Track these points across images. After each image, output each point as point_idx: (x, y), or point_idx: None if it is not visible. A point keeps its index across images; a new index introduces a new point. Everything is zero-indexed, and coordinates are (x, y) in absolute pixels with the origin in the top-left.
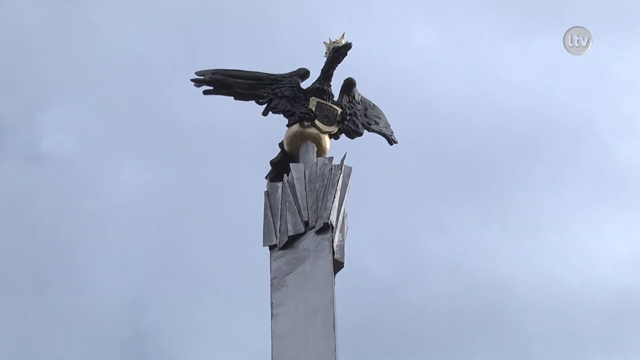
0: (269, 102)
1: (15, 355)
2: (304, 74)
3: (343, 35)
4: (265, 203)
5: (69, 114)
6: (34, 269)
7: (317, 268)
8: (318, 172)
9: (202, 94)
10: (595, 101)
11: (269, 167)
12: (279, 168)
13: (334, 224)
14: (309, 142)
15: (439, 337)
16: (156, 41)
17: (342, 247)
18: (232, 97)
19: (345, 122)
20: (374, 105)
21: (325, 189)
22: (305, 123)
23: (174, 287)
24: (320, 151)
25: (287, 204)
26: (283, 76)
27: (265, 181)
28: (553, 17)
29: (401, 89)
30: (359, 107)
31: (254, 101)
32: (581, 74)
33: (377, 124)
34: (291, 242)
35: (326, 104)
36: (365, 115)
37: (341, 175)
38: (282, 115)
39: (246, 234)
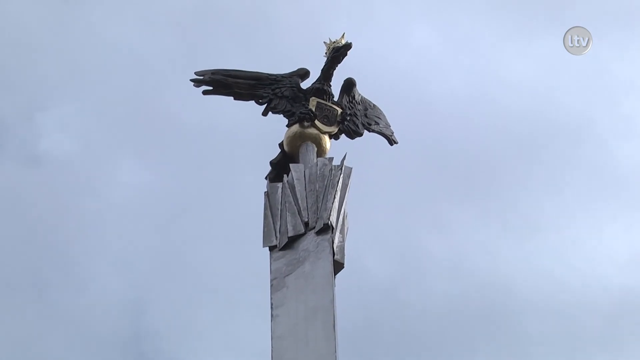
0: (269, 102)
1: (15, 355)
2: (304, 74)
3: (343, 35)
4: (265, 203)
5: (69, 114)
6: (34, 269)
7: (317, 269)
8: (318, 172)
9: (202, 94)
10: (596, 101)
11: (269, 168)
12: (279, 168)
13: (334, 225)
14: (309, 143)
15: (439, 338)
16: (156, 41)
17: (342, 247)
18: (231, 97)
19: (346, 123)
20: (374, 105)
21: (325, 189)
22: (305, 123)
23: (173, 287)
24: (320, 151)
25: (287, 205)
26: (283, 76)
27: (265, 182)
28: (553, 17)
29: (401, 89)
30: (359, 107)
31: (253, 101)
32: (581, 74)
33: (378, 124)
34: (291, 242)
35: (326, 104)
36: (366, 116)
37: (341, 175)
38: (282, 115)
39: (246, 235)
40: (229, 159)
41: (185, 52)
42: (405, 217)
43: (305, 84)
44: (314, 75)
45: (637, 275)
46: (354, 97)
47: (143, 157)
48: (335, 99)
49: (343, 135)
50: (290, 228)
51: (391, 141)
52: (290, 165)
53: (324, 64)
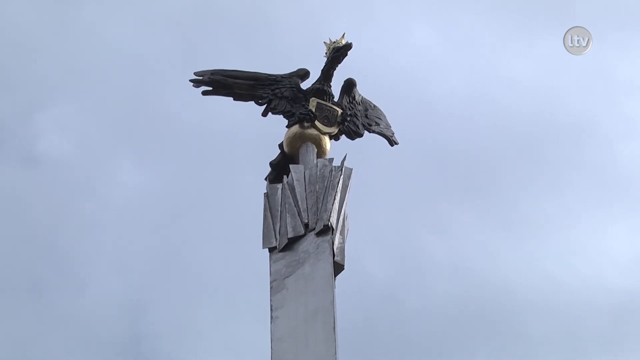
0: (269, 102)
1: (14, 357)
2: (303, 74)
3: (343, 35)
4: (264, 205)
5: (67, 115)
6: (32, 270)
7: (317, 270)
8: (318, 173)
9: (201, 95)
10: (597, 101)
11: (269, 169)
12: (279, 169)
13: (334, 226)
14: (309, 143)
15: (440, 339)
16: (155, 41)
17: (342, 249)
18: (231, 98)
19: (346, 123)
20: (374, 105)
21: (325, 190)
22: (305, 124)
23: (172, 289)
24: (321, 152)
25: (286, 206)
26: (283, 76)
27: (265, 183)
28: (554, 17)
29: (401, 89)
30: (360, 107)
31: (253, 102)
32: (582, 74)
33: (378, 124)
34: (291, 244)
35: (326, 105)
36: (366, 116)
37: (341, 176)
38: (281, 116)
39: (245, 236)
40: (228, 159)
41: (184, 52)
42: (405, 218)
43: (305, 85)
44: (314, 75)
45: (639, 277)
46: (354, 98)
47: (142, 157)
48: (336, 99)
49: (343, 136)
50: (290, 229)
51: (392, 142)
52: (290, 166)
53: (324, 64)
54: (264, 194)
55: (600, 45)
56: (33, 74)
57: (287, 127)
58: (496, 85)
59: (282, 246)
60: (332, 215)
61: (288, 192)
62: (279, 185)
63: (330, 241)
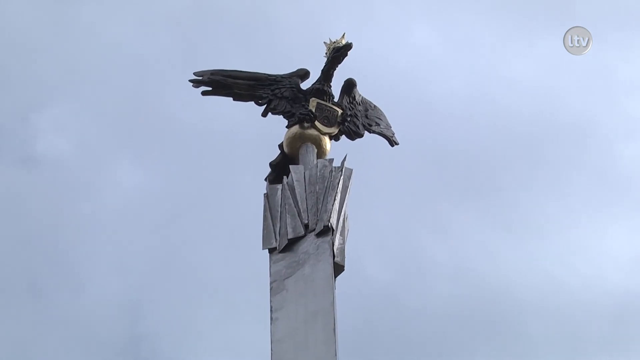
0: (269, 103)
1: (12, 358)
2: (303, 74)
3: (343, 35)
4: (264, 205)
5: (66, 115)
6: (30, 271)
7: (317, 271)
8: (318, 174)
9: (201, 95)
10: (598, 101)
11: (269, 169)
12: (279, 170)
13: (334, 227)
14: (309, 144)
15: (440, 341)
16: (154, 41)
17: (342, 250)
18: (231, 98)
19: (346, 123)
20: (374, 106)
21: (325, 191)
22: (305, 124)
23: (171, 290)
24: (321, 153)
25: (286, 207)
26: (283, 77)
27: (265, 183)
28: (554, 17)
29: (401, 89)
30: (360, 108)
31: (253, 102)
32: (583, 74)
33: (378, 125)
34: (291, 245)
35: (326, 105)
36: (366, 117)
37: (342, 177)
38: (281, 116)
39: (245, 237)
40: (228, 160)
41: (184, 52)
42: (405, 218)
43: (305, 85)
44: (314, 75)
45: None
46: (354, 98)
47: (141, 158)
48: (336, 99)
49: (343, 136)
50: (290, 230)
51: (392, 142)
52: (290, 166)
53: (324, 65)
54: (264, 194)
55: (601, 45)
56: (32, 74)
57: (287, 127)
58: (496, 86)
59: (282, 247)
60: (332, 216)
61: (288, 193)
62: (279, 186)
63: (331, 242)
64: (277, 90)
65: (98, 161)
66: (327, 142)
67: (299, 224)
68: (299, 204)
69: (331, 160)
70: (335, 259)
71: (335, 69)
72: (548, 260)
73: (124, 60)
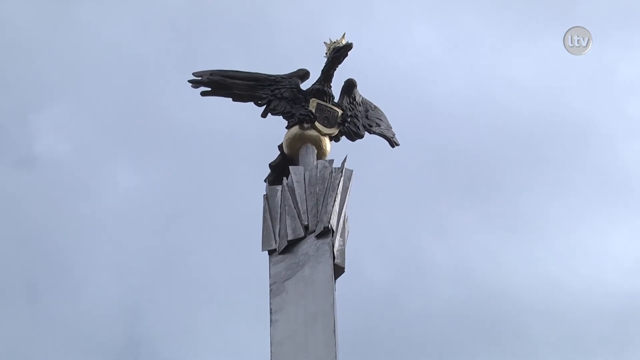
0: (268, 103)
1: None
2: (303, 74)
3: (344, 35)
4: (264, 207)
5: (64, 115)
6: (28, 273)
7: (317, 273)
8: (318, 175)
9: (200, 95)
10: (599, 102)
11: (268, 170)
12: (278, 171)
13: (334, 228)
14: (309, 145)
15: (441, 343)
16: (153, 41)
17: (342, 251)
18: (230, 99)
19: (346, 124)
20: (375, 106)
21: (325, 192)
22: (305, 125)
23: (170, 292)
24: (321, 153)
25: (286, 208)
26: (282, 77)
27: (264, 184)
28: (554, 17)
29: (401, 90)
30: (360, 108)
31: (252, 102)
32: (584, 74)
33: (379, 125)
34: (291, 246)
35: (326, 106)
36: (367, 117)
37: (342, 178)
38: (281, 116)
39: (245, 239)
40: (227, 161)
41: (183, 53)
42: (406, 219)
43: (305, 85)
44: (314, 76)
45: None
46: (354, 98)
47: (139, 159)
48: (336, 100)
49: (343, 137)
50: (289, 232)
51: (392, 143)
52: (290, 167)
53: (324, 65)
54: (264, 195)
55: (601, 45)
56: (30, 74)
57: (286, 128)
58: (496, 86)
59: (281, 249)
60: (332, 217)
61: (288, 194)
62: (279, 187)
63: (331, 243)
64: (276, 91)
65: (97, 162)
66: (327, 143)
67: (299, 226)
68: (299, 205)
69: (331, 161)
70: (336, 260)
71: (335, 69)
72: (549, 261)
73: (123, 60)
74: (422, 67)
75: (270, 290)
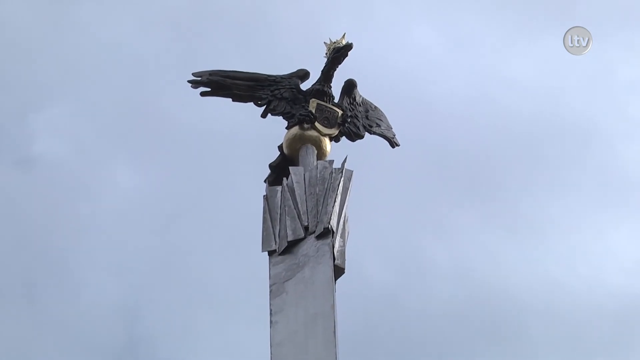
0: (268, 103)
1: None
2: (303, 75)
3: (344, 35)
4: (264, 207)
5: (63, 116)
6: (27, 273)
7: (317, 274)
8: (318, 175)
9: (200, 96)
10: (599, 102)
11: (268, 171)
12: (278, 171)
13: (334, 229)
14: (309, 145)
15: (442, 344)
16: (152, 41)
17: (342, 252)
18: (230, 99)
19: (346, 125)
20: (375, 107)
21: (325, 193)
22: (305, 125)
23: (169, 293)
24: (321, 154)
25: (286, 209)
26: (282, 77)
27: (264, 185)
28: (555, 17)
29: (401, 90)
30: (360, 109)
31: (252, 103)
32: (584, 74)
33: (379, 126)
34: (290, 247)
35: (326, 106)
36: (367, 118)
37: (342, 178)
38: (281, 117)
39: (244, 239)
40: (227, 161)
41: (182, 53)
42: (406, 220)
43: (305, 85)
44: (314, 76)
45: None
46: (354, 99)
47: (139, 159)
48: (336, 100)
49: (344, 137)
50: (289, 232)
51: (393, 143)
52: (290, 168)
53: (324, 65)
54: (263, 196)
55: (602, 46)
56: (29, 74)
57: (286, 128)
58: (497, 86)
59: (281, 249)
60: (332, 218)
61: (288, 195)
62: (279, 188)
63: (331, 244)
64: (276, 91)
65: (96, 162)
66: (327, 144)
67: (299, 226)
68: (299, 205)
69: (331, 162)
70: (336, 261)
71: (335, 70)
72: (549, 261)
73: (122, 60)
74: (422, 67)
75: (270, 291)
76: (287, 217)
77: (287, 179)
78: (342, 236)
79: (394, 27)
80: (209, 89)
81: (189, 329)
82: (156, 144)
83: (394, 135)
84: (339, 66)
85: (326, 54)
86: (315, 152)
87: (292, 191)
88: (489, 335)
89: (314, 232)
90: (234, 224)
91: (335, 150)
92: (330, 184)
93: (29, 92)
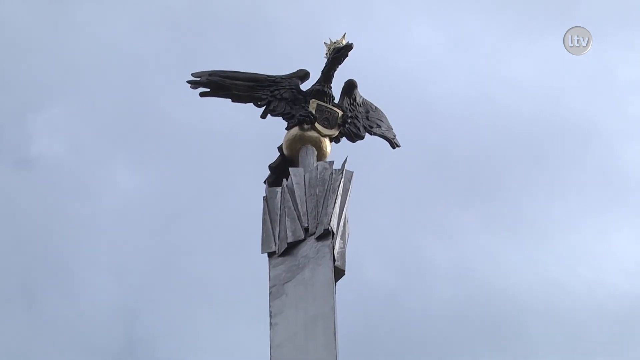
0: (268, 104)
1: None
2: (303, 75)
3: (344, 35)
4: (263, 208)
5: (62, 116)
6: (25, 274)
7: (317, 275)
8: (318, 176)
9: (199, 96)
10: (600, 102)
11: (268, 172)
12: (278, 172)
13: (334, 230)
14: (309, 146)
15: (442, 345)
16: (151, 41)
17: (343, 253)
18: (229, 99)
19: (347, 125)
20: (375, 107)
21: (325, 194)
22: (305, 126)
23: (168, 294)
24: (321, 155)
25: (286, 210)
26: (282, 78)
27: (264, 186)
28: (555, 17)
29: (401, 90)
30: (361, 109)
31: (252, 103)
32: (585, 75)
33: (379, 126)
34: (290, 249)
35: (326, 107)
36: (367, 118)
37: (342, 179)
38: (281, 117)
39: (244, 241)
40: (226, 162)
41: (181, 53)
42: (407, 221)
43: (305, 86)
44: (314, 76)
45: None
46: (355, 99)
47: (138, 160)
48: (336, 101)
49: (344, 138)
50: (289, 234)
51: (393, 144)
52: (290, 169)
53: (324, 65)
54: (263, 197)
55: (602, 46)
56: (27, 74)
57: (286, 129)
58: (497, 86)
59: (281, 251)
60: (332, 219)
61: (287, 196)
62: (279, 189)
63: (331, 246)
64: (276, 92)
65: (95, 162)
66: (328, 144)
67: (299, 228)
68: (299, 207)
69: (331, 163)
70: (336, 263)
71: (335, 70)
72: (549, 261)
73: (121, 61)
74: (422, 67)
75: (270, 293)
76: (287, 219)
77: (287, 180)
78: (343, 237)
79: (394, 27)
80: (209, 90)
81: (188, 330)
82: (156, 145)
83: (395, 136)
84: (339, 66)
85: (326, 54)
86: (315, 153)
87: (292, 192)
88: (489, 335)
89: (314, 233)
90: (233, 225)
91: (336, 151)
92: (331, 185)
93: (28, 92)
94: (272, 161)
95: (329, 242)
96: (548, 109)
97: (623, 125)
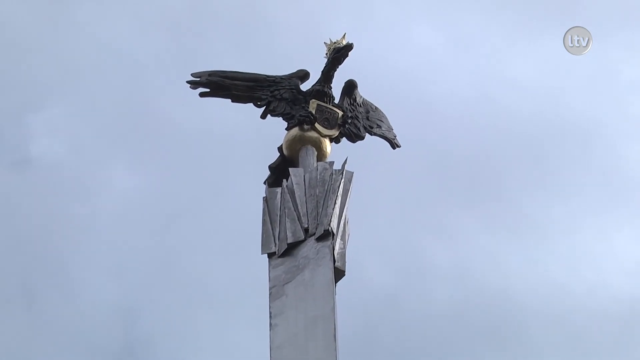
0: (268, 104)
1: None
2: (303, 75)
3: (344, 35)
4: (263, 209)
5: (60, 116)
6: (24, 275)
7: (318, 276)
8: (318, 177)
9: (199, 96)
10: (601, 102)
11: (268, 172)
12: (278, 173)
13: (334, 231)
14: (309, 146)
15: (442, 347)
16: (151, 41)
17: (343, 254)
18: (229, 100)
19: (347, 126)
20: (375, 107)
21: (325, 194)
22: (305, 126)
23: (168, 295)
24: (321, 155)
25: (286, 210)
26: (282, 78)
27: (264, 186)
28: (555, 17)
29: (402, 90)
30: (361, 109)
31: (252, 104)
32: (585, 75)
33: (380, 127)
34: (290, 249)
35: (327, 107)
36: (367, 118)
37: (342, 180)
38: (281, 118)
39: (244, 241)
40: (226, 162)
41: (181, 53)
42: (407, 222)
43: (305, 86)
44: (314, 76)
45: None
46: (355, 100)
47: (137, 160)
48: (336, 101)
49: (344, 138)
50: (289, 234)
51: (393, 145)
52: (290, 169)
53: (324, 65)
54: (263, 198)
55: (603, 46)
56: (26, 75)
57: (286, 129)
58: (497, 86)
59: (281, 252)
60: (332, 220)
61: (287, 196)
62: (278, 189)
63: (331, 246)
64: (276, 92)
65: (94, 163)
66: (328, 145)
67: (299, 228)
68: (299, 207)
69: (331, 163)
70: (336, 263)
71: (335, 70)
72: (550, 263)
73: (120, 61)
74: (422, 67)
75: (270, 294)
76: (286, 219)
77: (286, 180)
78: (343, 238)
79: (394, 27)
80: (208, 90)
81: (188, 330)
82: (155, 145)
83: (395, 136)
84: (339, 66)
85: (326, 54)
86: (316, 153)
87: (292, 193)
88: (489, 336)
89: (314, 234)
90: (233, 226)
91: (336, 151)
92: (331, 185)
93: (27, 92)
94: (272, 162)
95: (329, 242)
96: (548, 109)
97: (623, 125)
